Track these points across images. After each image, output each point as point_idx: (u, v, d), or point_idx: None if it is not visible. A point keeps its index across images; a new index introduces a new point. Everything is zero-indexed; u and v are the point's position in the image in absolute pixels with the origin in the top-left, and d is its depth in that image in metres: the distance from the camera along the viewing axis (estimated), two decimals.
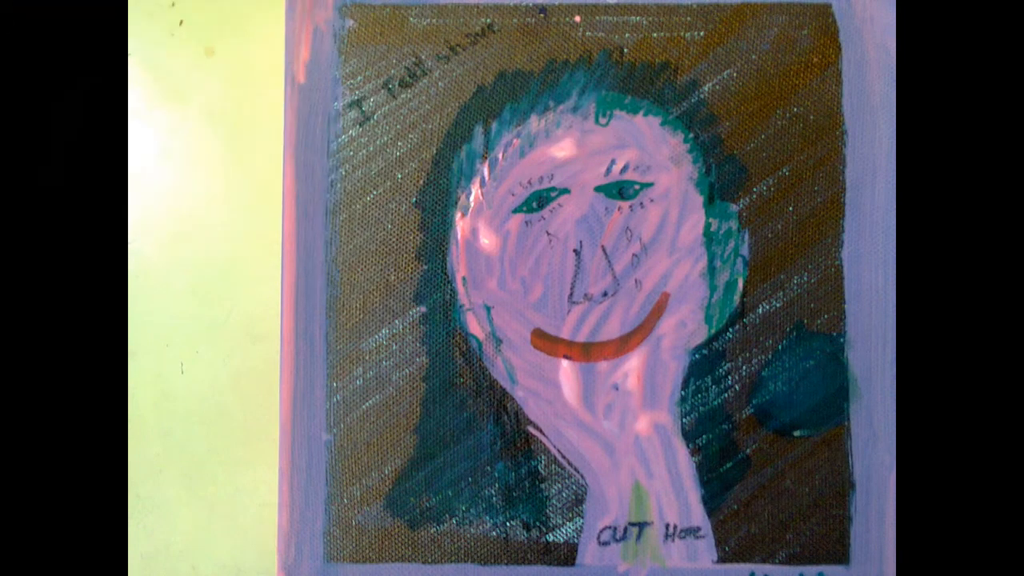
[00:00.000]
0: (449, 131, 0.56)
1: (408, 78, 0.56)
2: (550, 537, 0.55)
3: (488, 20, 0.56)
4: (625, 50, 0.56)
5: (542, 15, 0.56)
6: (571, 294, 0.55)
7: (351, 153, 0.56)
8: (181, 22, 0.60)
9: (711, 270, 0.55)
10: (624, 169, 0.55)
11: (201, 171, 0.59)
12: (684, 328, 0.55)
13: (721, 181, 0.56)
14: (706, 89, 0.56)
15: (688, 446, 0.55)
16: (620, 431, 0.55)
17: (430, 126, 0.56)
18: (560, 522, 0.55)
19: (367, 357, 0.55)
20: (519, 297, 0.55)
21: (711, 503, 0.55)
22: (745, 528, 0.55)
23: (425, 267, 0.56)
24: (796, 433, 0.55)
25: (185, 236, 0.59)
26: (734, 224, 0.55)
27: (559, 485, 0.55)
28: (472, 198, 0.56)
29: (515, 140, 0.56)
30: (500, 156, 0.56)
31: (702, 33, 0.56)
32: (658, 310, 0.55)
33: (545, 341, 0.55)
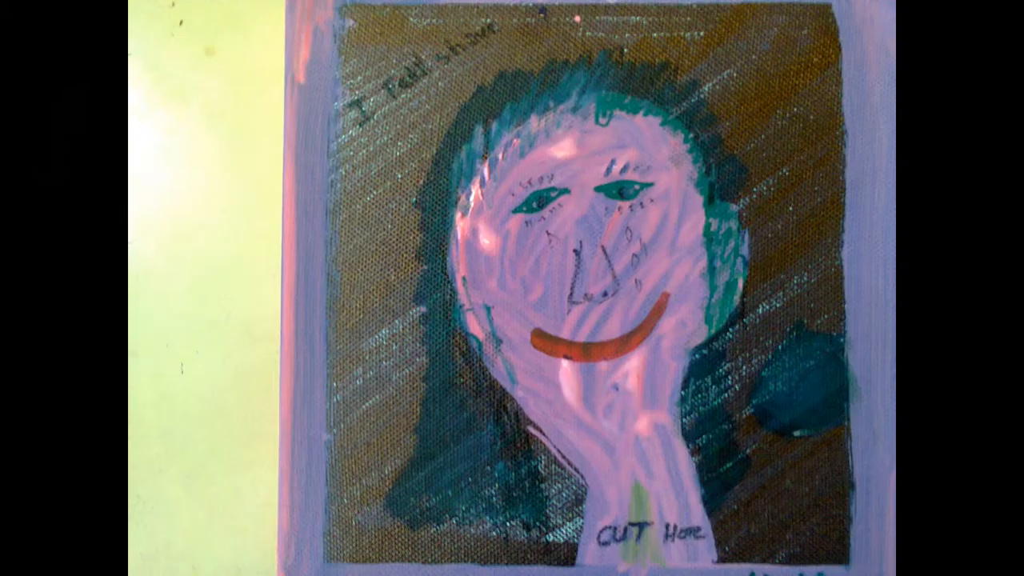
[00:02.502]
0: (449, 131, 0.56)
1: (408, 78, 0.56)
2: (550, 537, 0.55)
3: (488, 20, 0.56)
4: (625, 50, 0.56)
5: (542, 15, 0.56)
6: (571, 294, 0.55)
7: (351, 153, 0.56)
8: (181, 22, 0.60)
9: (711, 270, 0.55)
10: (624, 169, 0.55)
11: (201, 171, 0.59)
12: (684, 328, 0.55)
13: (721, 181, 0.56)
14: (706, 89, 0.56)
15: (688, 446, 0.55)
16: (620, 431, 0.55)
17: (430, 126, 0.56)
18: (560, 522, 0.55)
19: (367, 357, 0.55)
20: (519, 297, 0.55)
21: (711, 503, 0.55)
22: (745, 528, 0.55)
23: (425, 267, 0.56)
24: (796, 433, 0.55)
25: (185, 236, 0.59)
26: (734, 224, 0.55)
27: (559, 485, 0.55)
28: (472, 198, 0.56)
29: (515, 140, 0.56)
30: (500, 156, 0.56)
31: (702, 33, 0.56)
32: (658, 310, 0.55)
33: (545, 341, 0.55)
